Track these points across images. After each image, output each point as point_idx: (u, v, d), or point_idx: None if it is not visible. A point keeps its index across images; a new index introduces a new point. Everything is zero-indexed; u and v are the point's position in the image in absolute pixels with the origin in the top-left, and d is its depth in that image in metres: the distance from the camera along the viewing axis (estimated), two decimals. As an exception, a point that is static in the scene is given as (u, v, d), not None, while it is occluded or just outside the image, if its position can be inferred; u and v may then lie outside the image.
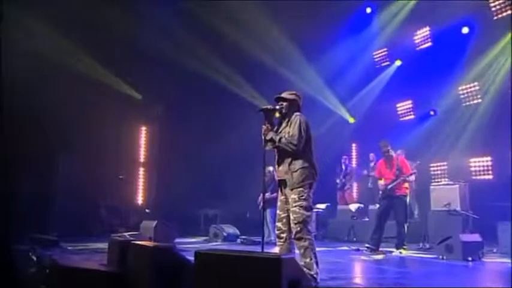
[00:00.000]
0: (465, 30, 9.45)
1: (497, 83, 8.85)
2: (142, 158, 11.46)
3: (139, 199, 11.26)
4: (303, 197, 3.80)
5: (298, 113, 3.98)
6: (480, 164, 9.21)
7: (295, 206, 3.79)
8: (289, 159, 3.87)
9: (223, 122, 11.17)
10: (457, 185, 7.46)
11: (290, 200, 3.84)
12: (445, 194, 7.51)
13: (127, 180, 10.41)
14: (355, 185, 11.19)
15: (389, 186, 6.80)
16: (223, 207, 10.70)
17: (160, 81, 10.57)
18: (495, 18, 9.01)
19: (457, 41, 9.47)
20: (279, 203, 4.01)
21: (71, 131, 9.23)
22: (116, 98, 10.18)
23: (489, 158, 9.08)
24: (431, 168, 10.01)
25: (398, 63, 11.07)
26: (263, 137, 3.94)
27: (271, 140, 3.88)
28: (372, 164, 9.79)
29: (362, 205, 9.49)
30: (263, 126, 3.96)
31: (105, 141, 9.94)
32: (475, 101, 9.42)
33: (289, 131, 3.89)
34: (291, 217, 3.80)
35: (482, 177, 9.13)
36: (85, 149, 9.41)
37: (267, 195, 7.38)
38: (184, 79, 10.68)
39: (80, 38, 9.07)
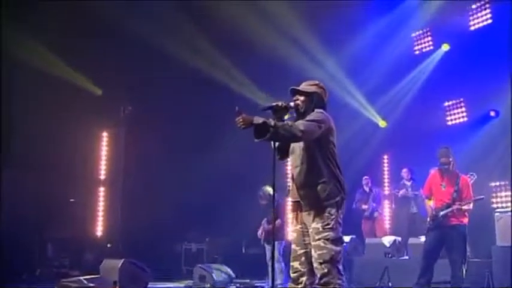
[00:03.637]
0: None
1: None
2: (103, 174, 11.38)
3: (99, 230, 11.13)
4: (329, 226, 3.65)
5: (318, 110, 3.86)
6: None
7: (319, 239, 3.65)
8: (305, 170, 3.77)
9: (214, 127, 11.08)
10: None
11: (311, 230, 3.71)
12: None
13: (82, 204, 10.40)
14: (387, 211, 11.07)
15: (442, 212, 6.63)
16: (211, 240, 10.77)
17: (128, 71, 10.42)
18: None
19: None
20: (294, 235, 3.89)
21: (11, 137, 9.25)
22: (68, 93, 10.05)
23: None
24: (493, 188, 9.66)
25: (445, 48, 10.84)
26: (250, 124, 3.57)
27: (264, 125, 3.50)
28: (406, 182, 9.87)
29: (399, 238, 9.23)
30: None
31: (55, 151, 9.84)
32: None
33: None
34: (314, 255, 3.67)
35: None
36: (29, 161, 9.36)
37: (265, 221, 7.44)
38: (162, 70, 10.58)
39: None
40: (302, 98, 3.90)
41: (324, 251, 3.61)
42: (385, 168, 12.19)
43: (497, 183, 9.61)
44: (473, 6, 10.41)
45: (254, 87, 11.00)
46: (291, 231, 4.13)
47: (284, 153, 3.97)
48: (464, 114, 10.73)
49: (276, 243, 7.47)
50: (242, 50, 10.72)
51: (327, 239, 3.62)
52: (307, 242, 3.78)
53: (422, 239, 8.15)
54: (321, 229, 3.64)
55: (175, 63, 10.34)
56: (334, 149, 3.84)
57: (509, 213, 7.50)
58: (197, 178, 10.61)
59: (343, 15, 10.78)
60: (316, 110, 3.85)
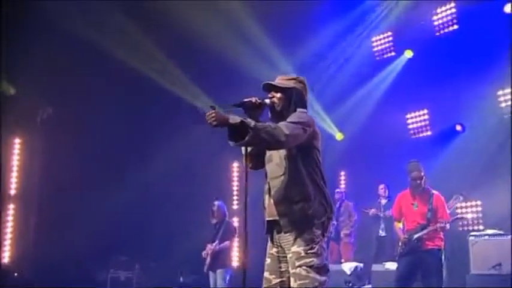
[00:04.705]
0: (508, 8, 9.09)
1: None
2: (13, 189, 10.89)
3: (5, 256, 10.50)
4: (313, 250, 3.38)
5: (301, 110, 3.65)
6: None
7: (301, 267, 3.38)
8: (286, 183, 3.48)
9: (150, 135, 10.94)
10: (510, 237, 7.21)
11: (290, 255, 3.45)
12: (493, 249, 7.25)
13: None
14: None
15: (416, 235, 6.44)
16: (142, 266, 10.57)
17: (50, 68, 9.98)
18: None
19: (497, 23, 9.13)
20: (267, 260, 3.64)
21: None
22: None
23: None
24: (459, 210, 9.32)
25: (408, 54, 10.79)
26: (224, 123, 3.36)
27: (241, 125, 3.24)
28: (382, 201, 9.72)
29: (361, 265, 8.95)
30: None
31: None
32: (522, 111, 9.13)
33: None
34: (293, 285, 3.43)
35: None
36: None
37: (215, 243, 7.25)
38: (93, 69, 10.33)
39: None
40: (278, 94, 3.64)
41: (307, 281, 3.35)
42: (342, 186, 11.91)
43: (465, 204, 9.42)
44: (439, 11, 10.33)
45: (198, 90, 10.84)
46: (267, 256, 3.69)
47: (258, 161, 3.64)
48: (428, 127, 10.69)
49: (220, 271, 7.52)
50: (185, 50, 10.58)
51: (310, 267, 3.36)
52: (283, 269, 3.53)
53: (388, 265, 7.96)
54: (303, 254, 3.36)
55: (109, 62, 10.09)
56: (319, 157, 3.60)
57: (486, 237, 7.41)
58: (128, 193, 10.29)
59: (298, 18, 10.71)
60: (298, 109, 3.61)
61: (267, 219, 3.61)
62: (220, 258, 7.44)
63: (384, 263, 8.18)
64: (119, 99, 10.72)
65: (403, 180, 8.48)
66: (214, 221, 7.87)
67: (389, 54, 11.22)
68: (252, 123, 3.27)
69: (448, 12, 10.21)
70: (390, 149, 10.43)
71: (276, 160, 3.56)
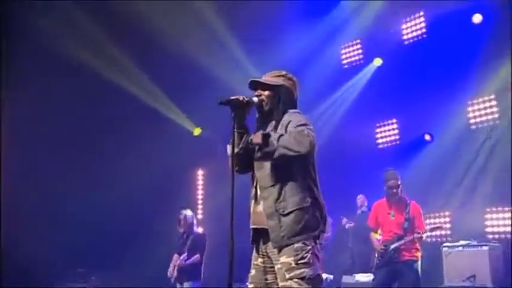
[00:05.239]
0: (477, 18, 9.26)
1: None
2: None
3: None
4: (305, 260, 3.19)
5: (294, 111, 3.52)
6: (500, 216, 8.74)
7: (291, 279, 3.19)
8: (278, 190, 3.31)
9: (112, 141, 10.60)
10: (487, 248, 7.20)
11: (279, 266, 3.25)
12: (468, 260, 7.23)
13: None
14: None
15: (392, 246, 6.42)
16: (100, 278, 10.21)
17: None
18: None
19: (466, 33, 9.28)
20: (252, 272, 3.45)
21: None
22: None
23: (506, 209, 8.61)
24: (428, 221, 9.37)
25: (377, 62, 10.83)
26: (238, 144, 3.43)
27: (263, 141, 3.18)
28: (359, 211, 9.66)
29: (331, 276, 8.89)
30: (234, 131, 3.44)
31: None
32: (490, 122, 9.22)
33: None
34: None
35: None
36: None
37: (183, 257, 7.11)
38: (52, 71, 9.98)
39: None
40: (266, 92, 3.50)
41: None
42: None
43: (438, 214, 9.52)
44: (408, 19, 10.45)
45: (159, 92, 10.73)
46: (251, 267, 3.53)
47: (247, 164, 3.48)
48: (397, 136, 10.71)
49: (188, 283, 7.32)
50: (147, 51, 10.51)
51: (302, 278, 3.16)
52: (270, 280, 3.36)
53: (358, 277, 7.92)
54: (293, 265, 3.18)
55: (70, 65, 9.93)
56: (315, 162, 3.48)
57: (460, 248, 7.40)
58: (89, 199, 10.04)
59: (266, 22, 10.75)
60: (290, 110, 3.48)
61: (253, 227, 3.42)
62: (188, 271, 7.23)
63: (354, 274, 8.15)
64: (80, 103, 10.41)
65: (372, 190, 8.60)
66: (181, 230, 7.61)
67: (358, 62, 11.27)
68: (276, 135, 3.21)
69: (417, 21, 10.33)
70: (357, 159, 10.39)
71: (267, 167, 3.37)
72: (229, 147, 3.42)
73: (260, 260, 3.42)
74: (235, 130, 3.43)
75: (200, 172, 11.74)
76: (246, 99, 3.42)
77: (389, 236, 6.54)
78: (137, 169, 10.02)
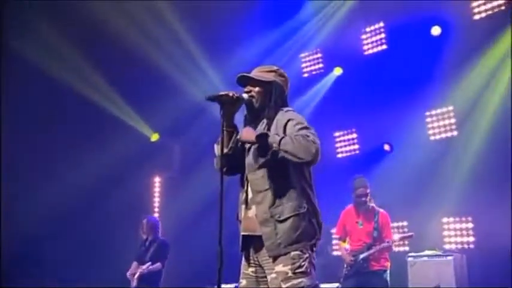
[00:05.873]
0: (436, 30, 9.38)
1: (482, 109, 8.76)
2: None
3: None
4: (302, 269, 3.06)
5: (287, 109, 3.38)
6: (458, 227, 8.87)
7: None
8: (272, 195, 3.14)
9: (64, 146, 10.22)
10: (451, 257, 7.20)
11: (273, 275, 3.12)
12: (433, 270, 7.19)
13: None
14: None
15: (361, 256, 6.37)
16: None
17: None
18: (476, 18, 9.06)
19: (426, 45, 9.43)
20: (243, 282, 3.30)
21: None
22: None
23: (469, 219, 8.82)
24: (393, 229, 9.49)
25: (337, 72, 10.83)
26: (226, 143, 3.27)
27: (262, 140, 3.05)
28: None
29: None
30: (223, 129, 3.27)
31: None
32: (449, 134, 9.35)
33: None
34: None
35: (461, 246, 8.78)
36: None
37: (147, 265, 6.83)
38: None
39: None
40: (257, 88, 3.34)
41: None
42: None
43: (400, 224, 9.54)
44: (368, 30, 10.54)
45: (116, 96, 10.40)
46: (241, 277, 3.34)
47: (233, 165, 3.29)
48: (356, 146, 10.73)
49: None
50: (103, 52, 10.14)
51: None
52: None
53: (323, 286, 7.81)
54: (290, 274, 3.03)
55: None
56: (311, 169, 3.36)
57: (425, 258, 7.37)
58: (37, 209, 9.40)
59: (226, 30, 10.70)
60: (281, 108, 3.34)
61: (244, 233, 3.22)
62: (149, 279, 6.98)
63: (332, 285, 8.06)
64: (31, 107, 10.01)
65: (331, 200, 8.47)
66: (144, 236, 7.36)
67: (318, 71, 11.26)
68: (278, 139, 3.06)
69: (377, 31, 10.42)
70: (316, 169, 10.29)
71: (261, 169, 3.20)
72: (216, 147, 3.25)
73: (251, 269, 3.26)
74: (224, 128, 3.25)
75: (157, 179, 11.40)
76: (236, 95, 3.26)
77: (359, 245, 6.49)
78: (91, 176, 9.65)
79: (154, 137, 11.13)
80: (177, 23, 10.29)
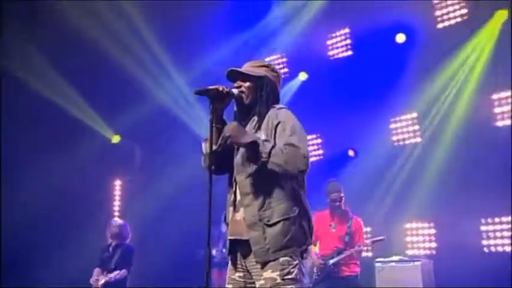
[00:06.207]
0: (400, 38, 9.45)
1: (445, 116, 8.87)
2: None
3: None
4: (291, 276, 2.90)
5: (280, 106, 3.21)
6: (421, 233, 8.98)
7: None
8: (261, 197, 2.98)
9: (23, 148, 9.79)
10: (419, 263, 7.16)
11: (262, 281, 2.93)
12: (400, 275, 7.16)
13: None
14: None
15: (332, 261, 6.31)
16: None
17: None
18: (439, 26, 9.19)
19: (390, 51, 9.47)
20: (229, 287, 3.11)
21: None
22: None
23: (432, 225, 8.93)
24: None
25: (302, 77, 10.81)
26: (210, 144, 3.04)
27: (251, 148, 2.91)
28: None
29: None
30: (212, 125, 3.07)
31: None
32: (412, 140, 9.42)
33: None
34: None
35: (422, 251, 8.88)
36: None
37: (114, 274, 6.61)
38: None
39: None
40: (247, 84, 3.19)
41: None
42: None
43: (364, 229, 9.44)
44: (333, 35, 10.57)
45: (75, 96, 10.09)
46: (227, 282, 3.14)
47: (222, 164, 3.10)
48: (320, 151, 10.71)
49: None
50: (63, 52, 9.88)
51: None
52: None
53: None
54: (279, 280, 2.87)
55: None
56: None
57: (393, 264, 7.34)
58: None
59: (191, 32, 10.62)
60: (273, 105, 3.17)
61: (231, 237, 3.04)
62: (115, 287, 6.71)
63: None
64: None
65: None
66: (109, 241, 7.07)
67: (283, 76, 11.21)
68: (268, 145, 2.91)
69: (343, 37, 10.46)
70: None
71: (250, 170, 3.01)
72: (204, 145, 3.09)
73: (238, 274, 3.09)
74: (214, 125, 3.06)
75: (118, 182, 11.09)
76: (226, 90, 3.10)
77: (329, 249, 6.41)
78: (52, 178, 9.29)
79: (116, 139, 10.85)
80: (142, 24, 10.15)
